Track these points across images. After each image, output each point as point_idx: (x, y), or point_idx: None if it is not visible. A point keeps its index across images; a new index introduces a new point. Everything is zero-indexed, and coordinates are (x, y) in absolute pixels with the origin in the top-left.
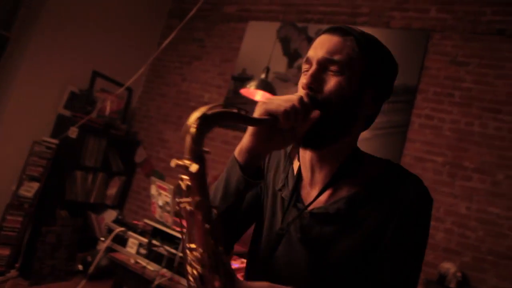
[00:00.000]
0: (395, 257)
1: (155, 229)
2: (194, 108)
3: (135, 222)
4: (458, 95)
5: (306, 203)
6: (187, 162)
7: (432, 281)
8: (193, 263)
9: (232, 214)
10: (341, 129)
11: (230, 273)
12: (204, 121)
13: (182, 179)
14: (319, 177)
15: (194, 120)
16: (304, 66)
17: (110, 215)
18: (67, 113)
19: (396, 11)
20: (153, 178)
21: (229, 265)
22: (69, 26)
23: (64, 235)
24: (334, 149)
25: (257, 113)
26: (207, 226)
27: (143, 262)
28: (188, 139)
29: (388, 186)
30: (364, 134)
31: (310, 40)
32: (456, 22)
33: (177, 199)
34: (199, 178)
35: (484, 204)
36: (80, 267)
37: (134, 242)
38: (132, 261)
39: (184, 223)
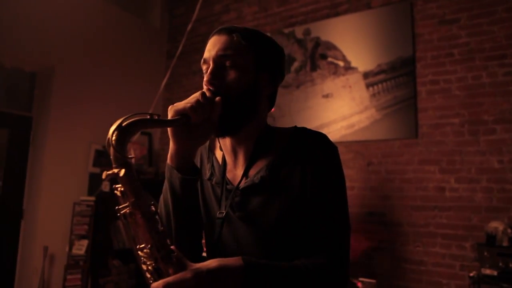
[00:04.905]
0: (322, 204)
1: None
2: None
3: None
4: (457, 53)
5: (235, 183)
6: (114, 170)
7: (483, 244)
8: (145, 260)
9: (192, 215)
10: (247, 112)
11: (181, 259)
12: (120, 131)
13: (116, 189)
14: (241, 158)
15: (112, 132)
16: (203, 67)
17: None
18: (96, 170)
19: None
20: None
21: (178, 252)
22: (81, 90)
23: (121, 283)
24: (248, 130)
25: (169, 116)
26: (148, 221)
27: None
28: (111, 150)
29: (298, 147)
30: (374, 116)
31: (299, 42)
32: None
33: (116, 207)
34: (129, 181)
35: None
36: None
37: None
38: None
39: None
